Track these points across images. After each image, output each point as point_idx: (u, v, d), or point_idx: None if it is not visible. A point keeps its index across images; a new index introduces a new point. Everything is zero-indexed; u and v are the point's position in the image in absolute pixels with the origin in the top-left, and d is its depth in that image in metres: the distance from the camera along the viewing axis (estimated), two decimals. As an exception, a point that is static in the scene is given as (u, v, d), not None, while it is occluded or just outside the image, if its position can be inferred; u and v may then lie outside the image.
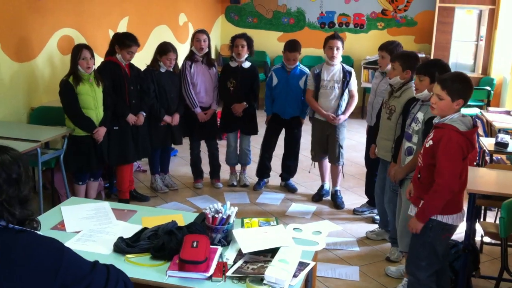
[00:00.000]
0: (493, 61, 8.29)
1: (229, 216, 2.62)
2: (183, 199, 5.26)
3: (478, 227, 4.03)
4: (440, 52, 8.47)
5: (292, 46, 5.21)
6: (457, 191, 2.92)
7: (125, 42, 4.68)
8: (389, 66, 4.45)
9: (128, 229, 2.62)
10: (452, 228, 3.10)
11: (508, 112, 5.63)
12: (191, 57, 5.30)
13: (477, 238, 4.21)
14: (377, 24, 9.38)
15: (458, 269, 3.66)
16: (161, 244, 2.40)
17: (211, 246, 2.45)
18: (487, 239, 4.07)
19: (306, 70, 5.31)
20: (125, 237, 2.50)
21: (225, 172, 5.76)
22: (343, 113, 5.06)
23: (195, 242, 2.35)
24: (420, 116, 3.53)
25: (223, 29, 9.89)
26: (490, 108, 5.91)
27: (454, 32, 8.55)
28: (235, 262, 2.41)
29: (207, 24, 9.01)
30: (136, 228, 2.62)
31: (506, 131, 5.10)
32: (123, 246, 2.43)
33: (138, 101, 4.89)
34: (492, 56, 8.37)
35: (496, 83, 8.12)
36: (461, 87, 2.93)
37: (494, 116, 5.49)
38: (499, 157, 4.69)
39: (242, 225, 2.78)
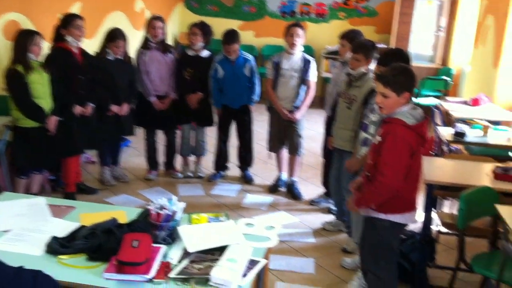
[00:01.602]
0: (452, 52, 8.31)
1: (175, 212, 2.45)
2: (134, 192, 5.05)
3: (433, 216, 3.98)
4: (400, 43, 8.42)
5: (229, 39, 5.05)
6: (399, 190, 2.78)
7: (66, 20, 4.47)
8: (349, 55, 4.37)
9: (64, 228, 2.41)
10: (405, 226, 3.02)
11: (465, 102, 5.61)
12: (145, 44, 5.11)
13: (433, 227, 4.16)
14: (338, 14, 9.27)
15: (415, 260, 3.61)
16: (98, 244, 2.21)
17: (154, 245, 2.27)
18: (443, 229, 4.01)
19: (249, 56, 5.18)
20: (59, 236, 2.30)
21: (179, 163, 5.57)
22: (300, 108, 4.94)
23: (135, 242, 2.18)
24: (377, 107, 3.43)
25: (182, 17, 9.62)
26: (448, 98, 5.89)
27: (414, 23, 8.52)
28: (180, 262, 2.25)
29: (165, 11, 8.72)
30: (73, 226, 2.42)
31: (463, 121, 5.07)
32: (56, 247, 2.23)
33: (87, 91, 4.62)
34: (451, 47, 8.39)
35: (455, 74, 8.15)
36: (403, 79, 2.80)
37: (452, 106, 5.47)
38: (458, 147, 4.65)
39: (190, 222, 2.61)
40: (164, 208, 2.44)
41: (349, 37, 4.51)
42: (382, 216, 2.92)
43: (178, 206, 2.49)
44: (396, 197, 2.85)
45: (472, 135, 4.47)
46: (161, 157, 5.52)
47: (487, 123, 4.62)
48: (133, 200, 4.85)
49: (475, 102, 5.43)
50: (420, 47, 8.78)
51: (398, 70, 2.83)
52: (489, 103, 5.49)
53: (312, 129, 7.09)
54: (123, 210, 2.73)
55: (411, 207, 2.96)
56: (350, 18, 9.23)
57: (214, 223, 2.56)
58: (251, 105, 5.26)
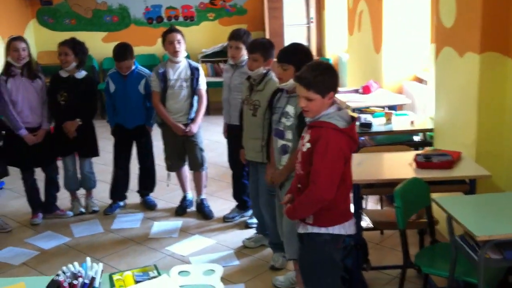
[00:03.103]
0: (326, 41, 8.39)
1: (93, 279, 1.96)
2: (21, 242, 4.35)
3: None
4: (275, 38, 8.28)
5: (119, 55, 4.57)
6: (331, 200, 2.54)
7: None
8: (244, 58, 4.09)
9: None
10: (345, 237, 2.77)
11: (356, 91, 5.57)
12: (7, 70, 4.43)
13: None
14: (207, 15, 9.01)
15: (351, 266, 3.40)
16: None
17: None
18: (363, 225, 3.86)
19: (145, 71, 4.72)
20: None
21: (64, 199, 4.92)
22: (195, 120, 4.55)
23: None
24: (290, 110, 3.18)
25: (38, 35, 8.77)
26: (339, 89, 5.81)
27: (285, 17, 8.48)
28: None
29: (17, 31, 7.79)
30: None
31: (360, 110, 5.01)
32: None
33: None
34: (324, 37, 8.47)
35: (332, 63, 8.21)
36: (325, 78, 2.55)
37: (346, 96, 5.39)
38: (363, 138, 4.54)
39: (112, 285, 2.12)
40: (79, 277, 1.94)
41: (241, 36, 4.20)
42: (323, 230, 2.65)
43: (95, 269, 2.00)
44: (332, 208, 2.61)
45: (377, 124, 4.39)
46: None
47: (388, 110, 4.57)
48: (22, 252, 4.17)
49: (366, 90, 5.39)
50: (295, 40, 8.73)
51: (318, 70, 2.55)
52: (379, 89, 5.50)
53: (205, 137, 6.71)
54: (22, 282, 2.17)
55: (349, 216, 2.73)
56: (220, 18, 9.03)
57: (144, 283, 2.10)
58: (149, 126, 4.78)
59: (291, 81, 3.10)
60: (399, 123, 4.43)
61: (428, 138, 4.39)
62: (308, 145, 2.57)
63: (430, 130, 4.27)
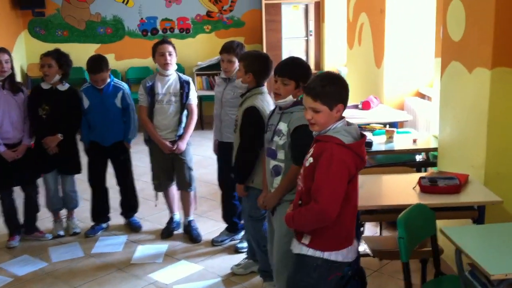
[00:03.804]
0: (325, 55, 8.17)
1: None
2: (-5, 267, 4.05)
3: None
4: (272, 51, 8.10)
5: (95, 67, 4.29)
6: (333, 218, 2.30)
7: None
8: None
9: None
10: (342, 266, 2.51)
11: (356, 106, 5.30)
12: (-13, 84, 4.17)
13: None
14: (203, 27, 8.79)
15: (348, 298, 3.11)
16: None
17: None
18: (360, 249, 3.57)
19: (121, 84, 4.48)
20: None
21: (46, 219, 4.63)
22: (183, 137, 4.27)
23: None
24: (283, 127, 2.92)
25: (29, 47, 8.52)
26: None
27: (284, 29, 8.28)
28: None
29: (8, 42, 7.57)
30: None
31: (359, 127, 4.71)
32: None
33: None
34: (323, 50, 8.25)
35: (333, 77, 7.99)
36: (334, 89, 2.36)
37: (345, 112, 5.09)
38: (362, 158, 4.27)
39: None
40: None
41: (230, 50, 3.97)
42: (318, 254, 2.42)
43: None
44: (333, 230, 2.39)
45: (377, 142, 4.12)
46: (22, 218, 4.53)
47: (389, 127, 4.30)
48: (-4, 279, 3.88)
49: (366, 105, 5.12)
50: (293, 53, 8.54)
51: (327, 80, 2.37)
52: (380, 104, 5.23)
53: (196, 153, 6.43)
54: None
55: (349, 242, 2.49)
56: (217, 31, 8.82)
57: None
58: (127, 142, 4.49)
59: (290, 98, 2.90)
60: (401, 142, 4.15)
61: (432, 158, 4.12)
62: (310, 159, 2.37)
63: (434, 149, 3.99)
